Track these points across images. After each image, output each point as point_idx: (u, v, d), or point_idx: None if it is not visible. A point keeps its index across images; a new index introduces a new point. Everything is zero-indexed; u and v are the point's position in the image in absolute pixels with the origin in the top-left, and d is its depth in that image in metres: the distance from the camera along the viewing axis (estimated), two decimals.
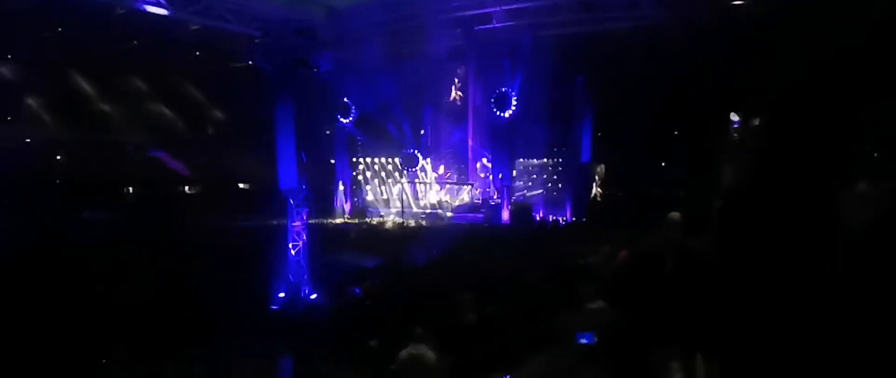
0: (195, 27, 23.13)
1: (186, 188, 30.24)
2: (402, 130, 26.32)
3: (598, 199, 24.39)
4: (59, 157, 27.04)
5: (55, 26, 22.84)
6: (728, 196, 2.20)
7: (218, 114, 29.63)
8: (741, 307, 1.98)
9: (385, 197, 27.23)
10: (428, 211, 25.58)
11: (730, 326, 2.02)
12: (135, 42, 25.00)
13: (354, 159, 27.84)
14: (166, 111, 28.17)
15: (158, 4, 20.07)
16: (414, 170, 26.36)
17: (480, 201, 24.81)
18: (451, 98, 26.49)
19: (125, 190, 28.26)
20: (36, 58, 23.77)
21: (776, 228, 1.92)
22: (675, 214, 6.25)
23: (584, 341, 5.54)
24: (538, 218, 23.91)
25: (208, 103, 29.11)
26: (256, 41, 17.77)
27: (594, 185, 24.56)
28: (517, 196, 25.16)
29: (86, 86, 26.14)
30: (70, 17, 20.96)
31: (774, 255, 1.92)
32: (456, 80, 26.38)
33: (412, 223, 24.54)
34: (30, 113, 25.09)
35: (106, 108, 26.71)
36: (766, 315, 1.92)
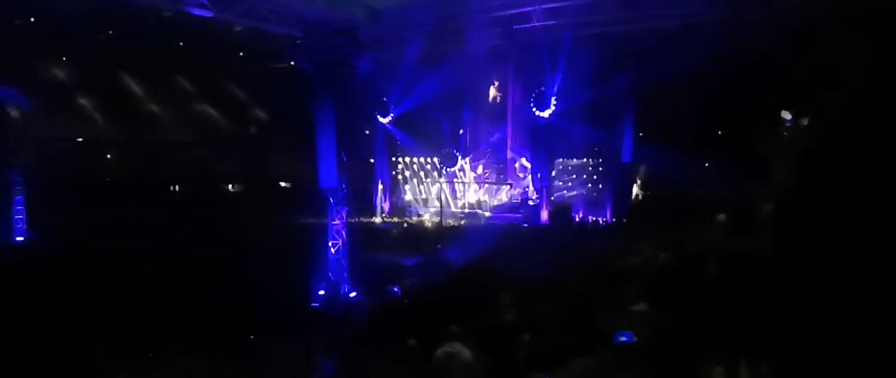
0: (238, 28, 23.57)
1: (230, 186, 30.89)
2: (441, 130, 26.37)
3: (639, 199, 24.03)
4: (108, 156, 27.91)
5: (105, 29, 23.57)
6: (785, 199, 2.13)
7: (260, 113, 30.20)
8: (803, 312, 1.91)
9: (424, 196, 27.33)
10: (466, 210, 25.57)
11: (790, 331, 1.95)
12: (180, 43, 25.65)
13: (394, 159, 28.02)
14: (211, 111, 28.84)
15: (202, 6, 20.51)
16: (452, 169, 26.39)
17: (519, 201, 24.68)
18: (491, 98, 26.42)
19: (171, 188, 29.00)
20: (87, 59, 24.60)
21: (839, 232, 1.85)
22: (723, 217, 6.12)
23: (623, 339, 5.46)
24: (578, 218, 23.67)
25: (251, 103, 29.70)
26: (298, 42, 18.01)
27: (635, 185, 24.21)
28: (556, 196, 24.96)
29: (134, 86, 26.95)
30: (119, 19, 21.58)
31: (838, 259, 1.85)
32: (495, 80, 26.31)
33: (451, 223, 24.55)
34: (82, 113, 25.97)
35: (153, 107, 27.49)
36: (830, 320, 1.86)
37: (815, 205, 1.95)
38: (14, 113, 19.75)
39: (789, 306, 1.94)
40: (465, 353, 7.26)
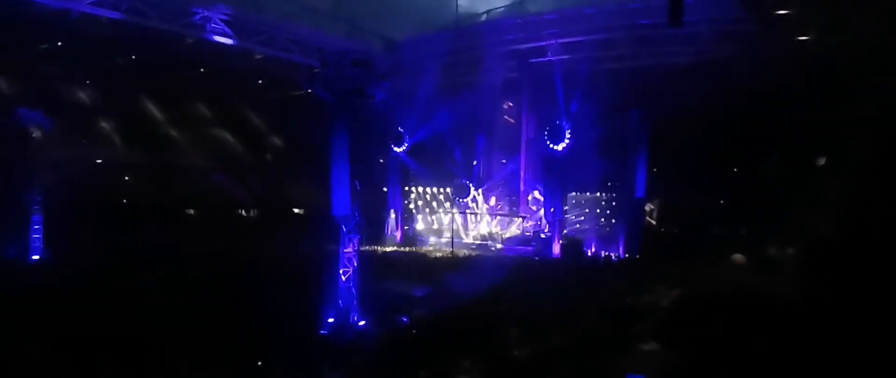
0: (258, 57, 24.00)
1: (243, 211, 31.07)
2: (455, 161, 26.46)
3: (652, 233, 23.80)
4: (126, 178, 28.23)
5: (128, 54, 24.07)
6: (815, 240, 2.12)
7: (276, 140, 30.53)
8: (828, 356, 1.90)
9: (436, 226, 27.30)
10: (478, 242, 25.50)
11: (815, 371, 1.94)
12: (201, 69, 26.09)
13: (407, 188, 28.09)
14: (228, 136, 29.22)
15: (225, 34, 20.93)
16: (465, 200, 26.41)
17: (531, 234, 24.58)
18: (504, 129, 26.54)
19: (186, 211, 29.21)
20: (109, 83, 25.08)
21: (871, 278, 1.84)
22: (739, 256, 6.07)
23: None
24: (590, 253, 23.49)
25: (267, 130, 30.07)
26: (315, 71, 18.24)
27: (648, 219, 24.04)
28: (569, 230, 24.84)
29: (154, 110, 27.40)
30: (142, 45, 22.04)
31: (871, 304, 1.84)
32: (509, 110, 26.46)
33: (462, 253, 24.47)
34: (102, 135, 26.39)
35: (172, 131, 27.90)
36: (855, 364, 1.84)
37: (846, 250, 1.95)
38: (36, 134, 20.10)
39: (814, 351, 1.92)
40: None
